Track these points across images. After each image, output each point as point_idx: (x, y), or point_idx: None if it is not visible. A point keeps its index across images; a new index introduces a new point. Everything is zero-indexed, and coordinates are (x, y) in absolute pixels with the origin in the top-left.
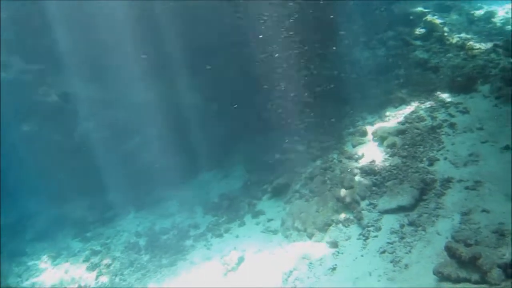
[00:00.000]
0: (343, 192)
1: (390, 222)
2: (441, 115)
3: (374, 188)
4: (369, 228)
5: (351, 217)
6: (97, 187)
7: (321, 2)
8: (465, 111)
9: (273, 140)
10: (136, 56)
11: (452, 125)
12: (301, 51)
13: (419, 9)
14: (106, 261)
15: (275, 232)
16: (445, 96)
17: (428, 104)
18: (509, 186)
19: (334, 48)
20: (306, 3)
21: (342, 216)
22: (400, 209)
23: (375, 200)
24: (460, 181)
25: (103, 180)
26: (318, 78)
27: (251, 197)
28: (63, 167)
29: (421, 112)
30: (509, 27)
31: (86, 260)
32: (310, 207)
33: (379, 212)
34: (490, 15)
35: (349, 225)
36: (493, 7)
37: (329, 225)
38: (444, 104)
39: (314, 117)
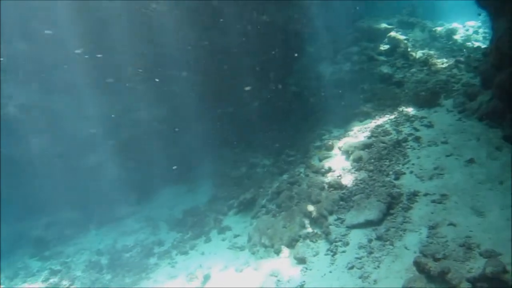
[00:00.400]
0: (310, 207)
1: (358, 236)
2: (406, 129)
3: (341, 202)
4: (337, 243)
5: (319, 232)
6: (55, 204)
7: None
8: (429, 125)
9: (240, 154)
10: (94, 69)
11: (417, 139)
12: (266, 65)
13: (383, 25)
14: (66, 281)
15: (241, 248)
16: (410, 110)
17: (393, 118)
18: (475, 199)
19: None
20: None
21: (310, 231)
22: (367, 224)
23: (342, 215)
24: (426, 194)
25: (62, 197)
26: (283, 93)
27: (217, 212)
28: (18, 183)
29: (387, 126)
30: (469, 43)
31: (45, 280)
32: (277, 222)
33: (346, 227)
34: (451, 32)
35: (317, 241)
36: (454, 25)
37: (297, 240)
38: (408, 118)
39: (280, 131)
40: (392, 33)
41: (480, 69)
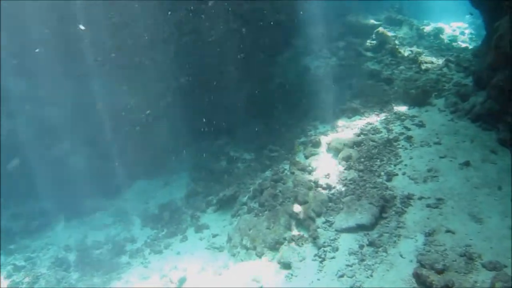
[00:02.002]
0: (296, 207)
1: (348, 242)
2: (396, 128)
3: (330, 204)
4: (325, 248)
5: (306, 235)
6: (23, 194)
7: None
8: (421, 125)
9: (220, 147)
10: (71, 52)
11: (408, 139)
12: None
13: (371, 21)
14: (29, 278)
15: (220, 249)
16: (400, 108)
17: (382, 115)
18: (472, 204)
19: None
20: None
21: (296, 234)
22: (359, 228)
23: (331, 217)
24: (421, 198)
25: (30, 186)
26: (266, 85)
27: (195, 209)
28: None
29: (376, 123)
30: (456, 43)
31: (8, 277)
32: (260, 223)
33: (336, 230)
34: (438, 31)
35: (303, 244)
36: (440, 24)
37: (281, 243)
38: (399, 117)
39: (263, 124)
40: (380, 29)
41: (472, 69)
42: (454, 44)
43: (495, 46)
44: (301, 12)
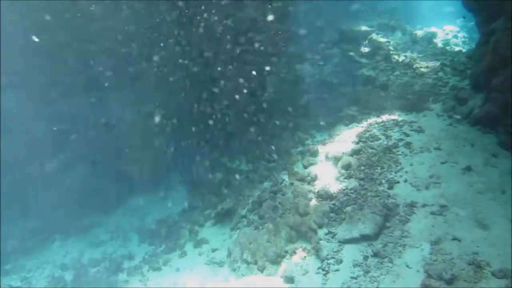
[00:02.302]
0: (297, 219)
1: (352, 253)
2: (395, 134)
3: (331, 214)
4: (329, 261)
5: (308, 248)
6: (16, 212)
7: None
8: (420, 130)
9: (217, 159)
10: (61, 64)
11: (408, 145)
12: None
13: (363, 27)
14: None
15: (220, 264)
16: (397, 114)
17: (380, 122)
18: (476, 210)
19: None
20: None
21: (298, 246)
22: (362, 239)
23: (333, 228)
24: (424, 205)
25: (24, 205)
26: (261, 93)
27: (193, 223)
28: None
29: (374, 130)
30: (449, 47)
31: None
32: (260, 236)
33: (339, 241)
34: (431, 35)
35: (305, 257)
36: (432, 28)
37: (283, 256)
38: (397, 123)
39: (258, 134)
40: (373, 36)
41: (469, 72)
42: (447, 48)
43: (492, 49)
44: (295, 19)
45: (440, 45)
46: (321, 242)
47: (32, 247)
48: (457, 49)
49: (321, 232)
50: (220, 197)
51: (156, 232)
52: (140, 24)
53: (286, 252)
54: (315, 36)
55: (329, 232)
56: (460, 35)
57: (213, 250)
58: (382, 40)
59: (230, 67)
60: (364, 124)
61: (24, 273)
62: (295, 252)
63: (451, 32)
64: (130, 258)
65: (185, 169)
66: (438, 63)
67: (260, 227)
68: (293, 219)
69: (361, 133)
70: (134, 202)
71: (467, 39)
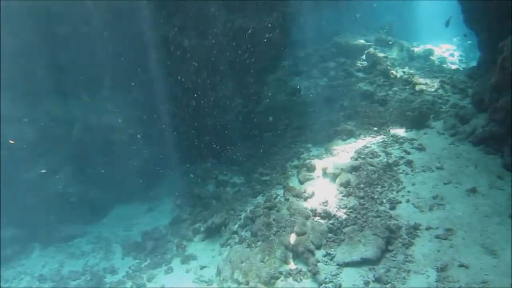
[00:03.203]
0: (293, 238)
1: (351, 277)
2: (395, 151)
3: (330, 235)
4: (327, 285)
5: (304, 270)
6: None
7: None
8: (421, 148)
9: (208, 170)
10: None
11: (409, 163)
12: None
13: (361, 41)
14: None
15: (209, 283)
16: (397, 131)
17: (379, 138)
18: (484, 235)
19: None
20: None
21: (293, 267)
22: (363, 262)
23: (332, 250)
24: (428, 228)
25: (2, 212)
26: (256, 105)
27: (181, 237)
28: None
29: (373, 146)
30: (446, 65)
31: None
32: (253, 255)
33: (337, 264)
34: (428, 53)
35: (301, 280)
36: (428, 46)
37: (277, 278)
38: (397, 139)
39: (252, 146)
40: (371, 50)
41: (470, 91)
42: (444, 65)
43: (500, 68)
44: (291, 32)
45: (437, 62)
46: (319, 264)
47: (10, 256)
48: (453, 67)
49: (319, 254)
50: (210, 211)
51: (142, 245)
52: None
53: (281, 273)
54: (311, 49)
55: (327, 254)
56: (456, 53)
57: (202, 267)
58: (380, 55)
59: (224, 77)
60: (362, 139)
61: (0, 284)
62: (290, 274)
63: (448, 50)
64: (112, 272)
65: (174, 180)
66: (437, 80)
67: (253, 245)
68: (288, 238)
69: (360, 149)
70: (119, 211)
71: (463, 58)
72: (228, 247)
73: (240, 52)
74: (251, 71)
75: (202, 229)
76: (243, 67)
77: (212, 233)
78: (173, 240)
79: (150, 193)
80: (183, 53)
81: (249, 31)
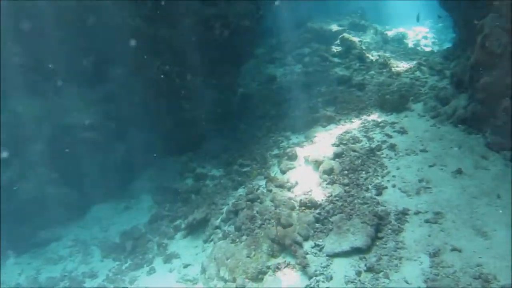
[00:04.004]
0: (279, 231)
1: (343, 268)
2: (377, 136)
3: (317, 225)
4: (317, 277)
5: (293, 263)
6: None
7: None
8: (403, 131)
9: (185, 164)
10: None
11: (392, 147)
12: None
13: (335, 27)
14: None
15: (194, 281)
16: (377, 115)
17: (360, 123)
18: (473, 217)
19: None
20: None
21: (281, 261)
22: (354, 252)
23: (320, 241)
24: (417, 213)
25: None
26: (231, 94)
27: (161, 236)
28: None
29: (355, 132)
30: (420, 47)
31: None
32: (238, 250)
33: (327, 255)
34: (402, 36)
35: (291, 273)
36: (401, 29)
37: (265, 273)
38: (377, 124)
39: (229, 137)
40: (345, 35)
41: (449, 71)
42: (418, 48)
43: (480, 46)
44: (265, 18)
45: (410, 45)
46: (308, 256)
47: None
48: (427, 49)
49: (307, 245)
50: (191, 206)
51: (121, 246)
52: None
53: (269, 268)
54: (284, 35)
55: (316, 245)
56: (430, 36)
57: (185, 266)
58: (354, 39)
59: (196, 67)
60: (343, 125)
61: None
62: (278, 268)
63: (420, 33)
64: (92, 276)
65: (150, 175)
66: (413, 63)
67: (238, 240)
68: (274, 230)
69: (341, 135)
70: (96, 212)
71: (436, 40)
72: (212, 243)
73: (212, 41)
74: (225, 60)
75: (183, 225)
76: (216, 56)
77: (194, 229)
78: (154, 238)
79: (126, 191)
80: (154, 44)
81: (221, 19)
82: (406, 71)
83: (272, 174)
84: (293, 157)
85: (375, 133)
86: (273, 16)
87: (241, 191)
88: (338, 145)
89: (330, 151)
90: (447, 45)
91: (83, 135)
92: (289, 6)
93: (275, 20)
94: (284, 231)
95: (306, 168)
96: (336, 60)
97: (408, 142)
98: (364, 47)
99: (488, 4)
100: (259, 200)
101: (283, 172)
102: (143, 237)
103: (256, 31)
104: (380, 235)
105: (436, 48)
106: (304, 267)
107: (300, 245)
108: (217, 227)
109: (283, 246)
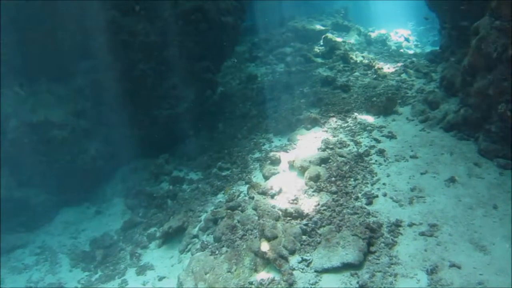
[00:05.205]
0: (264, 244)
1: (333, 285)
2: (365, 140)
3: (304, 237)
4: None
5: (277, 279)
6: None
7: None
8: (391, 136)
9: (161, 166)
10: None
11: (381, 152)
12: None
13: (318, 26)
14: None
15: None
16: (364, 118)
17: (346, 126)
18: (470, 229)
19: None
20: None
21: (265, 277)
22: (344, 267)
23: (308, 255)
24: (411, 225)
25: None
26: (210, 94)
27: (135, 244)
28: None
29: (341, 135)
30: (402, 50)
31: None
32: (218, 264)
33: (315, 271)
34: (385, 37)
35: None
36: (383, 31)
37: None
38: (365, 127)
39: (208, 138)
40: (329, 35)
41: (441, 75)
42: (401, 50)
43: (476, 49)
44: (246, 16)
45: (393, 47)
46: (295, 272)
47: None
48: (410, 52)
49: (294, 260)
50: (166, 212)
51: (91, 255)
52: None
53: (251, 284)
54: (265, 34)
55: (303, 260)
56: (412, 38)
57: (160, 279)
58: (338, 39)
59: (174, 63)
60: (328, 128)
61: None
62: (262, 285)
63: (402, 36)
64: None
65: (124, 178)
66: (399, 65)
67: (217, 252)
68: (257, 243)
69: (326, 138)
70: (65, 216)
71: (418, 43)
72: (189, 254)
73: (191, 37)
74: (204, 57)
75: (158, 234)
76: (194, 53)
77: (170, 238)
78: (126, 247)
79: (97, 194)
80: (130, 38)
81: (202, 13)
82: (392, 73)
83: (254, 180)
84: (276, 162)
85: (362, 137)
86: (255, 13)
87: (220, 197)
88: (324, 150)
89: (316, 155)
90: (429, 48)
91: (52, 134)
92: (271, 3)
93: (257, 17)
94: (269, 244)
95: (290, 173)
96: (319, 60)
97: (397, 147)
98: (348, 48)
99: (485, 5)
100: (240, 208)
101: (266, 178)
102: (115, 245)
103: (238, 28)
104: (372, 249)
105: (418, 51)
106: (290, 284)
107: (286, 259)
108: (195, 236)
109: (267, 260)
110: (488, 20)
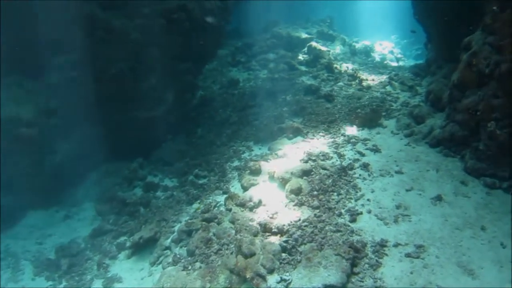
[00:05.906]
0: (240, 261)
1: None
2: (349, 153)
3: (284, 255)
4: None
5: None
6: None
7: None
8: (376, 149)
9: (135, 171)
10: None
11: (365, 166)
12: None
13: (303, 34)
14: None
15: None
16: (347, 129)
17: (329, 137)
18: (458, 251)
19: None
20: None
21: None
22: None
23: (287, 274)
24: (397, 245)
25: None
26: (190, 98)
27: (103, 254)
28: None
29: (324, 147)
30: (386, 62)
31: None
32: (191, 281)
33: None
34: (369, 49)
35: None
36: (366, 42)
37: None
38: (348, 139)
39: (185, 143)
40: (313, 43)
41: (427, 89)
42: (385, 62)
43: (467, 64)
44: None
45: (377, 59)
46: None
47: None
48: (393, 64)
49: (272, 280)
50: (138, 221)
51: (56, 263)
52: None
53: None
54: (248, 39)
55: (282, 280)
56: (396, 50)
57: None
58: (323, 48)
59: (154, 64)
60: (311, 138)
61: None
62: None
63: (386, 48)
64: None
65: (96, 182)
66: (383, 77)
67: (190, 267)
68: (233, 259)
69: (309, 149)
70: (31, 219)
71: (402, 56)
72: (160, 267)
73: (172, 36)
74: (185, 59)
75: (128, 244)
76: (176, 54)
77: (140, 248)
78: (94, 257)
79: (67, 197)
80: (108, 34)
81: (185, 13)
82: (377, 84)
83: (232, 189)
84: (256, 172)
85: (346, 150)
86: (239, 17)
87: (196, 206)
88: (306, 161)
89: (298, 167)
90: (412, 61)
91: (19, 131)
92: (256, 8)
93: (242, 21)
94: (246, 262)
95: (270, 185)
96: (303, 68)
97: (382, 161)
98: (332, 57)
99: (474, 19)
100: (216, 220)
101: (245, 189)
102: (82, 254)
103: (223, 30)
104: (356, 270)
105: (401, 64)
106: None
107: (264, 278)
108: (167, 248)
109: (244, 279)
110: (480, 36)
